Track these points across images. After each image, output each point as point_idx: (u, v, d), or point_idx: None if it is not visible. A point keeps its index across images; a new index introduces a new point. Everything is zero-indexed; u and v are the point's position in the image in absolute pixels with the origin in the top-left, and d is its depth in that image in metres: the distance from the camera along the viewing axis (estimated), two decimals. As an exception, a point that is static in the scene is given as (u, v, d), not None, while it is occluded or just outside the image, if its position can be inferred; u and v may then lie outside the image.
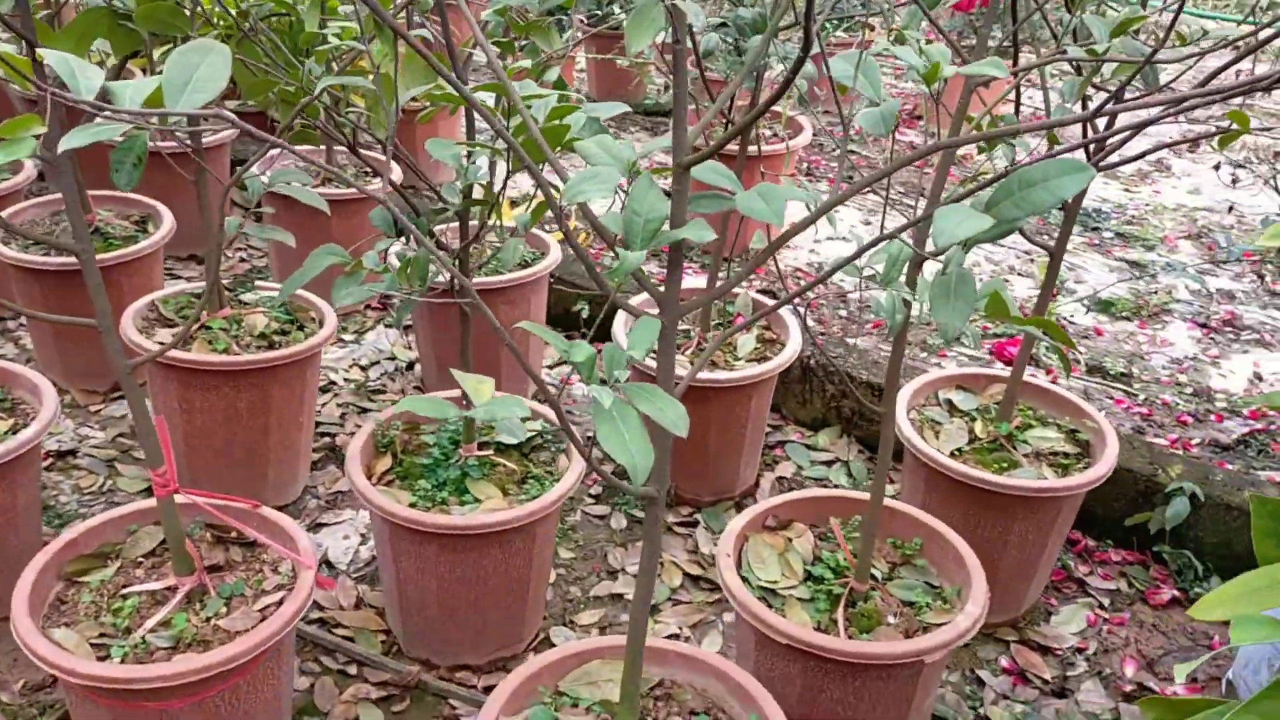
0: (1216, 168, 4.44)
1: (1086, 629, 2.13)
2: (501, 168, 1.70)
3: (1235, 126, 1.25)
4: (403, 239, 1.74)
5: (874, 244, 1.05)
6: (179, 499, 1.61)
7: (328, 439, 2.58)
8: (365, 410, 2.71)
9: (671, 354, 1.18)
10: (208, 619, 1.59)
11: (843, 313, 3.24)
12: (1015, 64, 1.73)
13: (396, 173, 3.17)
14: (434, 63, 1.04)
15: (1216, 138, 1.38)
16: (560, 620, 2.10)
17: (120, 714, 1.48)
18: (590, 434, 2.66)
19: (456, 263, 1.83)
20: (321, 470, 2.48)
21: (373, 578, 2.16)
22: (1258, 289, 3.58)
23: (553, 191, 1.09)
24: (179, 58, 1.02)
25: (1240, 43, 1.49)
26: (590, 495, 2.46)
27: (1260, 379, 3.01)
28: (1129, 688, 2.00)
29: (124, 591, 1.62)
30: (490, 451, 1.99)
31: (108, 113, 0.94)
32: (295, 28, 1.80)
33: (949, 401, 2.22)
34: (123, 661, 1.50)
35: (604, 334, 2.78)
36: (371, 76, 1.53)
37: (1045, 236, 3.54)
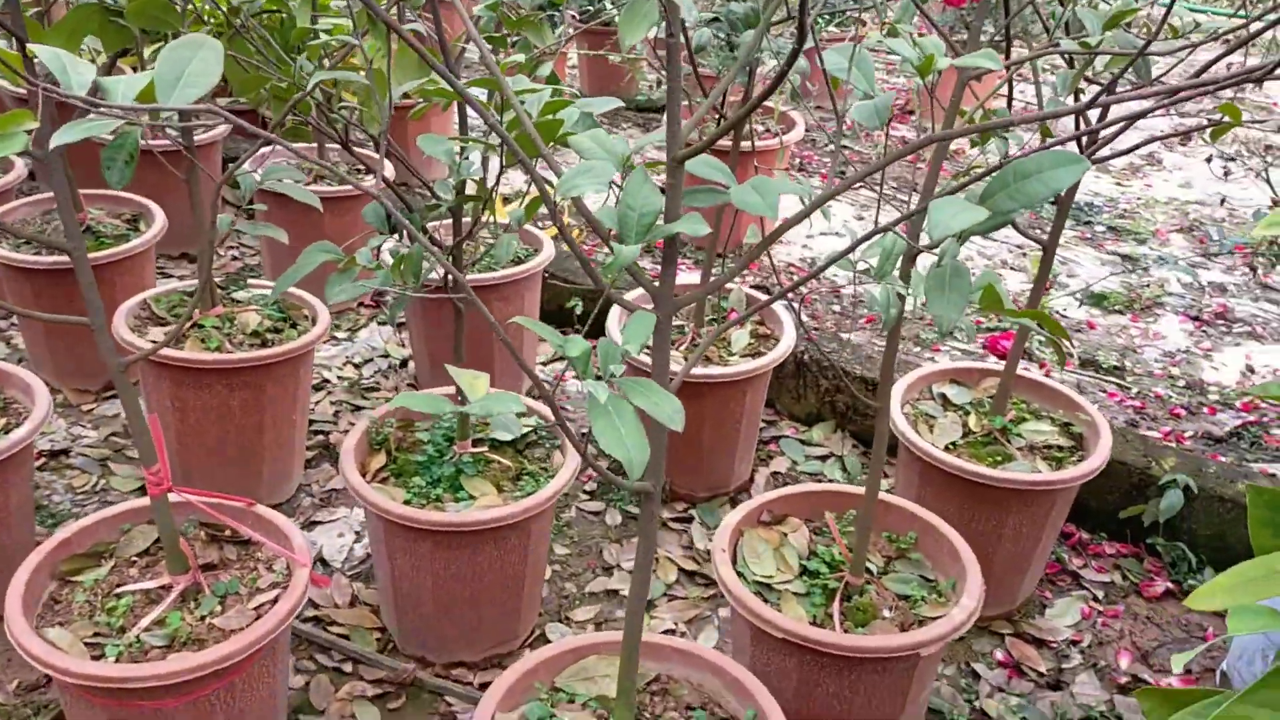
0: (1208, 161, 4.45)
1: (1081, 621, 2.14)
2: (495, 163, 1.70)
3: (1227, 119, 1.25)
4: (396, 236, 1.74)
5: (868, 237, 1.05)
6: (173, 497, 1.61)
7: (322, 437, 2.58)
8: (359, 408, 2.70)
9: (666, 349, 1.18)
10: (202, 617, 1.58)
11: (836, 308, 3.24)
12: (1008, 57, 1.73)
13: (389, 169, 3.16)
14: (427, 57, 1.04)
15: (1208, 130, 1.39)
16: (556, 616, 2.10)
17: (115, 713, 1.48)
18: (585, 430, 2.65)
19: (450, 259, 1.83)
20: (316, 468, 2.48)
21: (368, 575, 2.16)
22: (1249, 282, 3.59)
23: (547, 186, 1.09)
24: (171, 53, 1.02)
25: (1231, 36, 1.49)
26: (585, 491, 2.46)
27: (1252, 371, 3.02)
28: (1123, 680, 2.01)
29: (118, 590, 1.62)
30: (485, 448, 1.99)
31: (100, 108, 0.94)
32: (287, 24, 1.80)
33: (943, 395, 2.22)
34: (117, 661, 1.50)
35: (598, 330, 2.78)
36: (364, 72, 1.53)
37: (1038, 230, 3.53)
